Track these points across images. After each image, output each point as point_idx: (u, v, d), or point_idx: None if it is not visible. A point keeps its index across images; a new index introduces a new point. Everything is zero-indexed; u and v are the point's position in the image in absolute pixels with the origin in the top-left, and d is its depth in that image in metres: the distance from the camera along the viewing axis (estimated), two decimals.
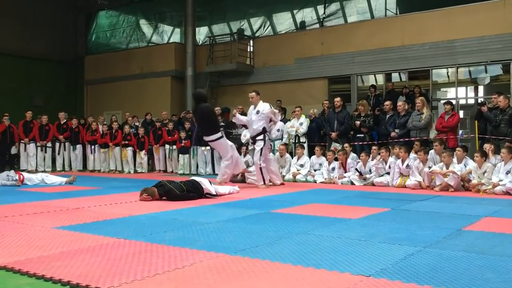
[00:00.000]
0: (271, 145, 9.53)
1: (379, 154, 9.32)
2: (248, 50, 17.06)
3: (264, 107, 8.82)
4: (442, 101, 12.74)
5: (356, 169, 9.42)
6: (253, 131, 8.85)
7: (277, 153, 11.02)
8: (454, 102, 11.55)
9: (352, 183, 9.37)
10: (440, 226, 4.59)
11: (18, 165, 13.42)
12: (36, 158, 13.60)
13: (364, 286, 2.69)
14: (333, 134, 10.68)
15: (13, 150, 13.61)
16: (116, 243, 3.82)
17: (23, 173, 9.61)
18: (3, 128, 13.24)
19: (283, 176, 10.19)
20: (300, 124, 11.23)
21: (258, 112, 8.79)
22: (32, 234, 4.20)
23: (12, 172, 9.32)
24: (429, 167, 8.53)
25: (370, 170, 9.37)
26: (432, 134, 10.26)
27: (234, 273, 2.93)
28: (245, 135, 11.59)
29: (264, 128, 8.77)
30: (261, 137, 8.75)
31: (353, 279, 2.82)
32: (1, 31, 18.52)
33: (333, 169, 9.86)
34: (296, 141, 11.25)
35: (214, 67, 16.92)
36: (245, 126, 10.22)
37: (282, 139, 11.27)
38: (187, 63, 17.26)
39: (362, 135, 10.57)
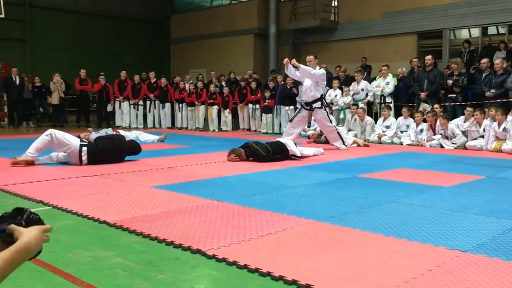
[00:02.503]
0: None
1: (473, 116, 8.83)
2: (333, 5, 16.52)
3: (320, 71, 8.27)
4: None
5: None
6: (309, 97, 8.33)
7: (348, 115, 10.80)
8: None
9: (441, 146, 9.00)
10: None
11: (113, 122, 14.37)
12: (130, 116, 14.48)
13: (461, 262, 2.63)
14: (423, 94, 10.21)
15: (109, 108, 14.60)
16: (210, 204, 4.02)
17: (119, 130, 10.29)
18: (100, 87, 14.20)
19: (367, 140, 9.99)
20: (386, 84, 10.85)
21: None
22: (134, 192, 4.54)
23: (110, 130, 10.00)
24: None
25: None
26: None
27: (326, 241, 2.98)
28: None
29: (322, 95, 8.35)
30: (318, 104, 8.30)
31: (449, 253, 2.76)
32: None
33: (421, 131, 9.50)
34: (382, 101, 10.92)
35: (298, 24, 16.64)
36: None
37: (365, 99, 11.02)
38: (270, 20, 17.12)
39: (454, 95, 10.00)
